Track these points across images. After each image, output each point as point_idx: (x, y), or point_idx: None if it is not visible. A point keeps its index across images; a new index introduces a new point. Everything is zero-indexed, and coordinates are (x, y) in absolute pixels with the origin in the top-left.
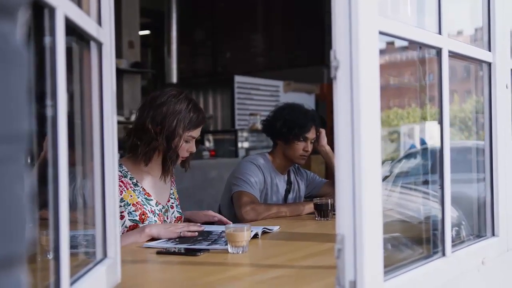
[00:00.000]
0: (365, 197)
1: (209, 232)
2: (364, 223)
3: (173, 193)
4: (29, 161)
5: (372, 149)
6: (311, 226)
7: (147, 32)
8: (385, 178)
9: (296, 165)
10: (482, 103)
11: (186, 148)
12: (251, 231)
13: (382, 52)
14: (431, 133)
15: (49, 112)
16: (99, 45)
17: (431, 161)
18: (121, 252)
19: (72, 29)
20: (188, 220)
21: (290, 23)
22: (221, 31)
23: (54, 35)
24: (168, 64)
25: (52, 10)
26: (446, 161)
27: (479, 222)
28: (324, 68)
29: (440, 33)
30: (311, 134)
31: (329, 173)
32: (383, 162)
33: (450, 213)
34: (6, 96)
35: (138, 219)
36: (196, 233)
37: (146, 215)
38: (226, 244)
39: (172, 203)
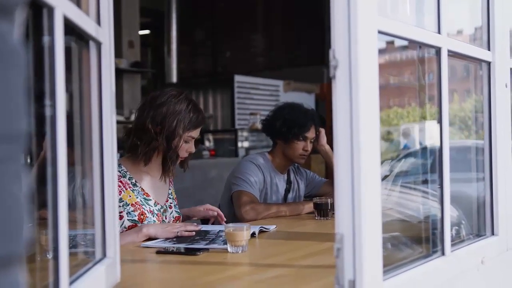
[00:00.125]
0: (364, 196)
1: (207, 232)
2: (363, 223)
3: (171, 193)
4: (28, 161)
5: (371, 149)
6: (311, 225)
7: (147, 31)
8: (384, 178)
9: (296, 164)
10: (481, 102)
11: (186, 148)
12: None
13: (382, 51)
14: (430, 133)
15: (48, 112)
16: (98, 44)
17: (430, 160)
18: (120, 251)
19: (71, 28)
20: (186, 217)
21: (290, 23)
22: (221, 31)
23: (53, 35)
24: (168, 63)
25: (51, 10)
26: (446, 160)
27: (479, 221)
28: (324, 68)
29: (439, 32)
30: (311, 134)
31: (329, 173)
32: (382, 162)
33: (450, 213)
34: (4, 96)
35: (137, 219)
36: (194, 233)
37: (145, 215)
38: (224, 243)
39: (171, 203)
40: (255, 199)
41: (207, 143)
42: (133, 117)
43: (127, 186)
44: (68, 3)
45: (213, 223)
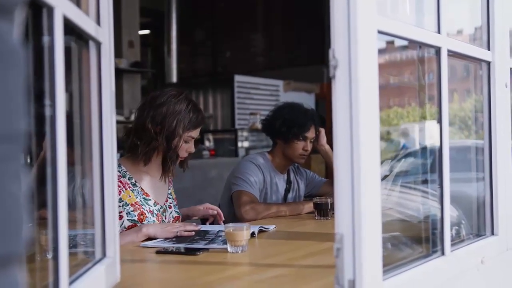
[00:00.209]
0: (364, 196)
1: (206, 232)
2: (363, 222)
3: (170, 193)
4: (28, 161)
5: (371, 148)
6: (311, 225)
7: (147, 31)
8: (384, 177)
9: (296, 164)
10: (481, 102)
11: (185, 148)
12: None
13: (382, 51)
14: (430, 132)
15: (47, 111)
16: (98, 44)
17: (430, 160)
18: (120, 251)
19: (70, 28)
20: (186, 216)
21: (290, 23)
22: (221, 31)
23: (53, 35)
24: (168, 63)
25: (50, 10)
26: (445, 160)
27: (479, 221)
28: (324, 68)
29: (439, 32)
30: (311, 133)
31: (329, 173)
32: (382, 162)
33: (450, 212)
34: (3, 96)
35: (136, 219)
36: (193, 233)
37: (145, 215)
38: (224, 243)
39: (170, 203)
40: (255, 199)
41: (207, 143)
42: (133, 117)
43: (126, 186)
44: (67, 3)
45: (212, 223)
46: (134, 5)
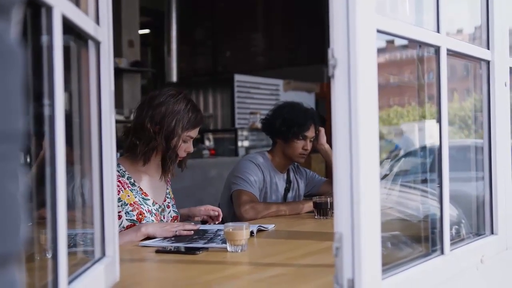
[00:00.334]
0: (363, 195)
1: (205, 231)
2: (362, 222)
3: (169, 192)
4: (28, 160)
5: (370, 148)
6: (310, 224)
7: (147, 31)
8: (384, 177)
9: (296, 163)
10: (481, 101)
11: (184, 148)
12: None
13: (382, 50)
14: (430, 132)
15: (46, 111)
16: (97, 44)
17: (430, 160)
18: (119, 250)
19: (69, 28)
20: (186, 217)
21: (290, 22)
22: (221, 30)
23: (52, 34)
24: (168, 63)
25: (49, 9)
26: (445, 159)
27: (478, 221)
28: (324, 67)
29: (438, 31)
30: (310, 133)
31: (329, 172)
32: (382, 161)
33: (450, 212)
34: (1, 95)
35: (135, 219)
36: (192, 232)
37: (144, 215)
38: (223, 242)
39: (168, 202)
40: (254, 198)
41: (207, 143)
42: (132, 117)
43: (125, 186)
44: (66, 2)
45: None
46: (134, 5)
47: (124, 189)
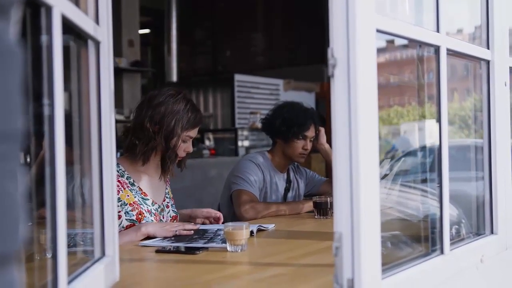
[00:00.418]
0: (363, 195)
1: (205, 231)
2: (362, 221)
3: (168, 192)
4: (28, 160)
5: (369, 148)
6: (310, 224)
7: (147, 31)
8: (384, 176)
9: (296, 163)
10: (481, 101)
11: (184, 148)
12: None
13: (382, 50)
14: (430, 131)
15: (46, 111)
16: (97, 43)
17: (430, 159)
18: (119, 250)
19: (69, 27)
20: (188, 218)
21: (290, 22)
22: (221, 30)
23: (51, 34)
24: (168, 63)
25: (48, 9)
26: (444, 159)
27: (478, 220)
28: (324, 67)
29: (438, 31)
30: (310, 133)
31: (329, 172)
32: (382, 161)
33: (450, 211)
34: (0, 95)
35: (135, 219)
36: (192, 232)
37: (143, 215)
38: (223, 242)
39: (168, 202)
40: (254, 198)
41: (207, 142)
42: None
43: (125, 186)
44: (66, 2)
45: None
46: (134, 4)
47: (124, 189)
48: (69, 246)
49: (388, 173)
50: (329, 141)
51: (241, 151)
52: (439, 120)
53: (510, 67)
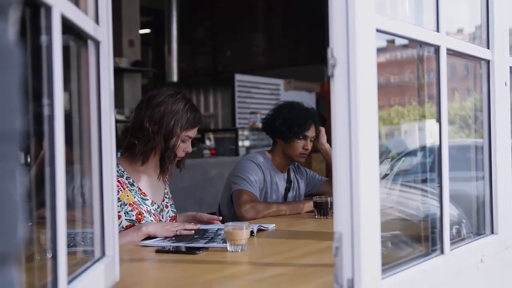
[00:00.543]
0: (363, 195)
1: (205, 230)
2: (362, 221)
3: (167, 192)
4: (28, 160)
5: (369, 147)
6: (311, 224)
7: (147, 30)
8: (384, 176)
9: (296, 163)
10: (481, 100)
11: (183, 148)
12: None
13: (382, 50)
14: (430, 131)
15: (46, 111)
16: (97, 43)
17: (430, 159)
18: (119, 250)
19: (69, 27)
20: (192, 219)
21: (291, 22)
22: (221, 30)
23: (51, 34)
24: (169, 62)
25: (48, 9)
26: (445, 159)
27: (478, 220)
28: (325, 67)
29: (438, 30)
30: (311, 132)
31: (329, 172)
32: (382, 161)
33: (450, 211)
34: None
35: (135, 219)
36: (193, 232)
37: (143, 215)
38: (223, 242)
39: (167, 202)
40: (255, 198)
41: (207, 142)
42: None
43: (124, 186)
44: (66, 2)
45: None
46: (135, 4)
47: (123, 189)
48: (69, 246)
49: (388, 173)
50: (329, 141)
51: (242, 151)
52: (439, 120)
53: (510, 67)
